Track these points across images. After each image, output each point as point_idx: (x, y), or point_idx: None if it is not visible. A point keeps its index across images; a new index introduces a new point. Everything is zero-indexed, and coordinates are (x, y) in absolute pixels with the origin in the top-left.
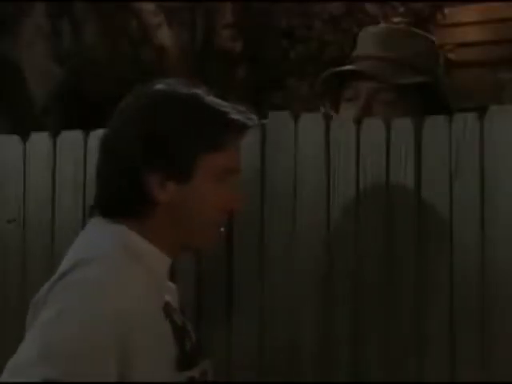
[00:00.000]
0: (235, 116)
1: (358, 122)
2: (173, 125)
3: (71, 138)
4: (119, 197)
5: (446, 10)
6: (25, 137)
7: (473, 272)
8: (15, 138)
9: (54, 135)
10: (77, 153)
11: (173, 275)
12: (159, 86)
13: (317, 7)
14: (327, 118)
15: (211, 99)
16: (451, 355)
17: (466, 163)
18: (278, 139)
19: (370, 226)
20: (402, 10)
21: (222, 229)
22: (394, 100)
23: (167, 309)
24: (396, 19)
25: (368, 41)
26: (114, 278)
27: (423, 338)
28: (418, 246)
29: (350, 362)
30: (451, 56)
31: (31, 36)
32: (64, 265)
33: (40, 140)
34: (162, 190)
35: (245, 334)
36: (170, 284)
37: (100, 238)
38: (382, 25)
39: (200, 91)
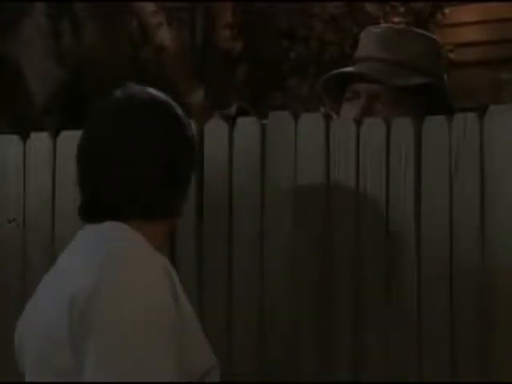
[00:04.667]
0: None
1: (358, 122)
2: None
3: (71, 137)
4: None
5: (446, 10)
6: (25, 137)
7: (473, 272)
8: (15, 138)
9: (54, 135)
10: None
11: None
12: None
13: (317, 7)
14: (327, 118)
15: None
16: (451, 355)
17: (466, 163)
18: (278, 139)
19: (370, 225)
20: (401, 9)
21: None
22: (395, 101)
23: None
24: (396, 19)
25: (369, 42)
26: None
27: (423, 338)
28: (417, 245)
29: (350, 362)
30: (451, 56)
31: (31, 36)
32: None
33: (40, 140)
34: None
35: (245, 334)
36: None
37: (115, 238)
38: (384, 25)
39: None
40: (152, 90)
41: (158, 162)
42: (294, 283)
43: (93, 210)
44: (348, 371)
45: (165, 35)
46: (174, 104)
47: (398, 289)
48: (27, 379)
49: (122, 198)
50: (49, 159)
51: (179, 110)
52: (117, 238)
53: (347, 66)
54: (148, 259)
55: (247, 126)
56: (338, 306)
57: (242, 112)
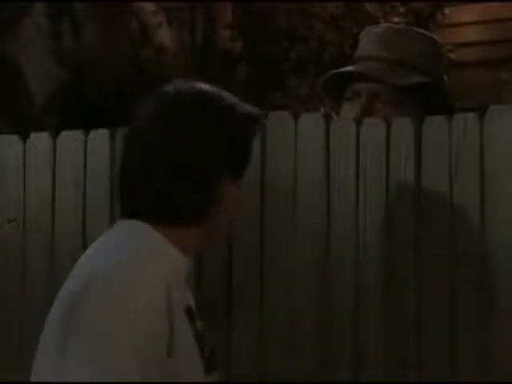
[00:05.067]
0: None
1: (358, 122)
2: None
3: (71, 137)
4: (184, 201)
5: (446, 10)
6: (25, 137)
7: (473, 271)
8: (15, 138)
9: (54, 135)
10: (77, 153)
11: None
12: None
13: (317, 7)
14: (327, 118)
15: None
16: (451, 355)
17: (466, 163)
18: (278, 139)
19: (371, 225)
20: (401, 9)
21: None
22: (395, 100)
23: (190, 313)
24: (396, 19)
25: (369, 41)
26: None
27: (423, 338)
28: (417, 245)
29: (350, 362)
30: (451, 56)
31: (31, 36)
32: (87, 265)
33: (40, 140)
34: (230, 188)
35: (245, 334)
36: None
37: (126, 239)
38: (384, 25)
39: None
40: (202, 86)
41: (192, 163)
42: (293, 283)
43: (123, 206)
44: (348, 371)
45: (165, 35)
46: (222, 100)
47: (398, 289)
48: None
49: (151, 196)
50: (49, 159)
51: (227, 108)
52: (124, 243)
53: (347, 65)
54: (146, 270)
55: None
56: (338, 306)
57: None
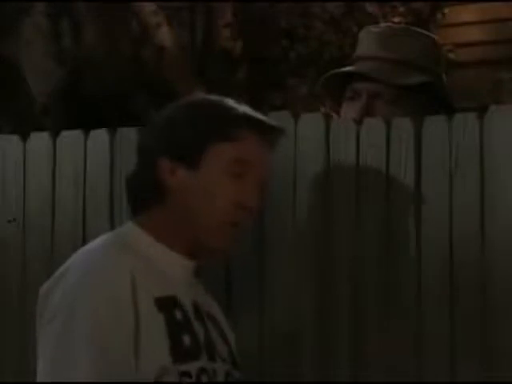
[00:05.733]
0: (250, 113)
1: (358, 121)
2: (184, 116)
3: (71, 137)
4: (134, 186)
5: (446, 10)
6: (25, 137)
7: (473, 271)
8: (15, 138)
9: (54, 135)
10: (77, 153)
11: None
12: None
13: (317, 7)
14: (327, 118)
15: (232, 103)
16: (451, 355)
17: (465, 163)
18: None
19: (370, 225)
20: (402, 9)
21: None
22: (395, 100)
23: (163, 302)
24: (396, 19)
25: (369, 41)
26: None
27: (423, 338)
28: (417, 245)
29: (350, 362)
30: (451, 56)
31: (31, 36)
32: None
33: (40, 140)
34: (171, 174)
35: (245, 333)
36: (195, 282)
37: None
38: (383, 25)
39: (225, 99)
40: (206, 96)
41: (140, 145)
42: (294, 283)
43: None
44: (348, 371)
45: (165, 35)
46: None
47: (398, 289)
48: None
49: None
50: (49, 159)
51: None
52: (101, 242)
53: (347, 65)
54: (113, 265)
55: None
56: (338, 305)
57: None
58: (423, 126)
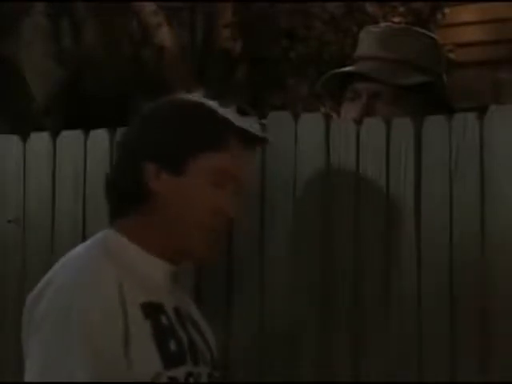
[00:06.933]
0: (237, 122)
1: (358, 121)
2: (172, 121)
3: (71, 137)
4: (116, 189)
5: (446, 10)
6: (25, 137)
7: (473, 271)
8: (15, 138)
9: (54, 135)
10: (77, 153)
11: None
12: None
13: (317, 7)
14: (327, 118)
15: (218, 107)
16: (451, 355)
17: (465, 163)
18: (277, 139)
19: (371, 225)
20: (401, 9)
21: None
22: (395, 100)
23: (149, 309)
24: (396, 19)
25: (369, 41)
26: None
27: (423, 338)
28: (418, 245)
29: (350, 362)
30: (451, 56)
31: (31, 36)
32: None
33: (40, 140)
34: (156, 178)
35: (244, 333)
36: (175, 287)
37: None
38: (383, 25)
39: (210, 102)
40: (192, 98)
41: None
42: (294, 283)
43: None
44: (348, 371)
45: (165, 35)
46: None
47: (397, 289)
48: None
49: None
50: (49, 159)
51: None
52: (83, 251)
53: (347, 65)
54: (99, 273)
55: None
56: (338, 305)
57: (242, 112)
58: (423, 126)
